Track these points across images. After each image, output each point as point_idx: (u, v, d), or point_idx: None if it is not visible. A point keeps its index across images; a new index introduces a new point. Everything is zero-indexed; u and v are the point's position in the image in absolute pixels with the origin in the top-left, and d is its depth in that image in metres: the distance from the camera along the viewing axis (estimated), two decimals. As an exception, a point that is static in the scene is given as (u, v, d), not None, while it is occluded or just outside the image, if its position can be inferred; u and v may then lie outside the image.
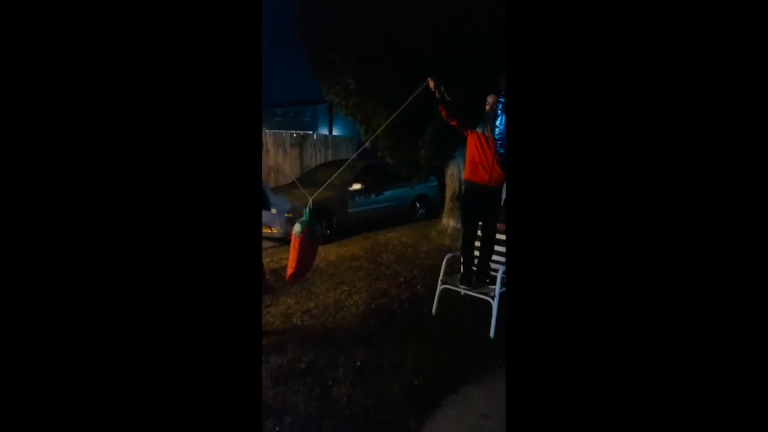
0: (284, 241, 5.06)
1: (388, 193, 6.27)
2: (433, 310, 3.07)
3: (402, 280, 3.81)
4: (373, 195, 6.04)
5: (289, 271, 2.29)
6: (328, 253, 4.62)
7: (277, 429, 1.84)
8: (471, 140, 2.90)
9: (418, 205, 6.88)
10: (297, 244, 2.29)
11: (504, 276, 2.75)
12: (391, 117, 2.32)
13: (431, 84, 2.77)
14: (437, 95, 2.81)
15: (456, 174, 5.15)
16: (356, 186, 5.85)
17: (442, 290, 3.08)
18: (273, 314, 3.05)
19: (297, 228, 2.30)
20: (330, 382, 2.19)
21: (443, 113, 2.88)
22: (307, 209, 2.33)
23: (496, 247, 3.06)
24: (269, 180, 7.47)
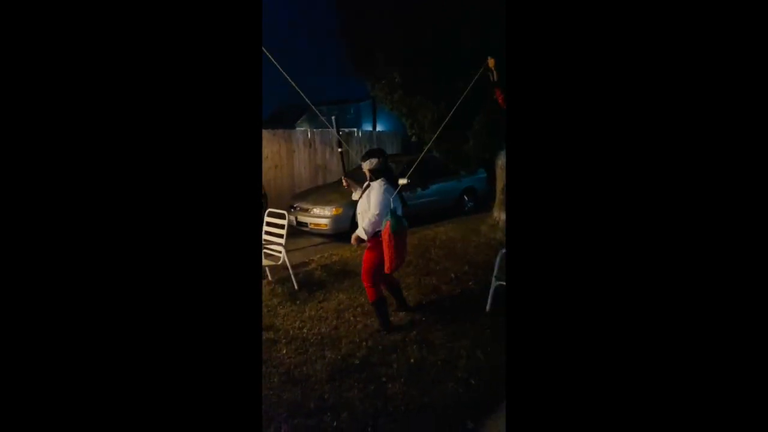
0: (335, 237, 5.17)
1: (434, 186, 6.18)
2: (488, 307, 2.98)
3: (452, 276, 3.73)
4: (419, 189, 5.97)
5: (387, 264, 2.42)
6: (376, 248, 4.63)
7: (335, 425, 1.87)
8: None
9: (466, 198, 6.71)
10: (392, 242, 2.37)
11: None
12: (456, 103, 2.22)
13: (491, 63, 2.59)
14: (495, 78, 2.65)
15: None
16: (402, 181, 5.82)
17: (497, 287, 2.96)
18: (325, 309, 3.11)
19: (392, 227, 2.38)
20: (384, 379, 2.19)
21: (499, 97, 2.73)
22: (390, 209, 2.42)
23: None
24: (318, 178, 7.65)
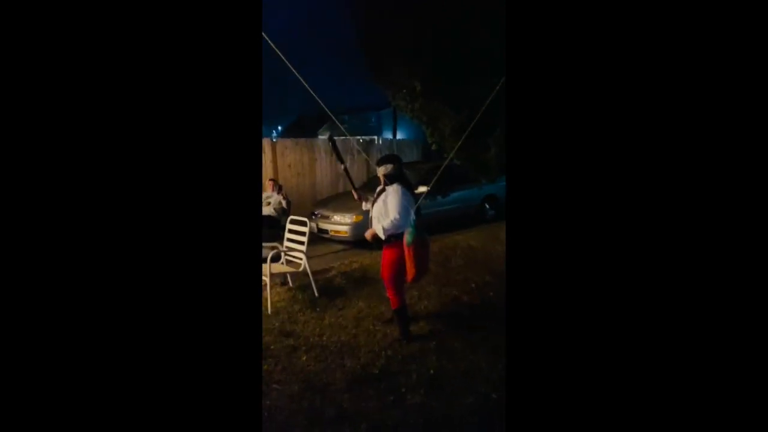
0: (354, 243, 5.19)
1: (455, 194, 6.13)
2: (509, 318, 2.91)
3: (473, 285, 3.67)
4: (439, 197, 5.94)
5: (409, 276, 2.48)
6: (396, 256, 4.62)
7: (353, 434, 1.86)
8: None
9: (487, 206, 6.62)
10: (411, 253, 2.43)
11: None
12: (480, 111, 2.19)
13: None
14: None
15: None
16: (422, 189, 5.81)
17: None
18: (345, 317, 3.12)
19: (408, 239, 2.44)
20: (404, 390, 2.17)
21: None
22: (413, 220, 2.47)
23: None
24: (338, 186, 7.73)
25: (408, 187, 2.63)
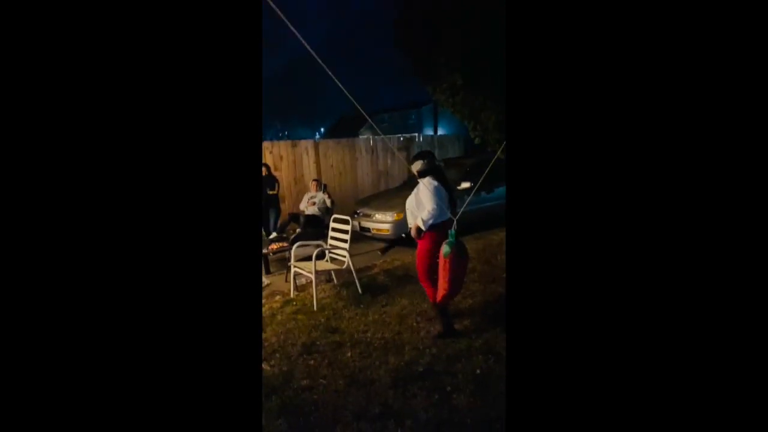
0: (396, 241, 5.20)
1: (499, 189, 5.93)
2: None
3: (520, 283, 3.53)
4: (483, 193, 5.78)
5: (441, 292, 2.31)
6: (439, 254, 4.57)
7: (399, 431, 1.86)
8: None
9: (534, 201, 6.35)
10: (447, 265, 2.31)
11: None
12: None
13: None
14: None
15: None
16: (465, 185, 5.68)
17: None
18: (389, 314, 3.13)
19: (446, 249, 2.33)
20: (449, 389, 2.13)
21: None
22: (453, 230, 2.34)
23: None
24: (380, 184, 7.78)
25: (441, 181, 2.66)
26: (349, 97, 1.87)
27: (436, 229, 2.55)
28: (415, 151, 8.55)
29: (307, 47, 1.48)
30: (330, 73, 1.59)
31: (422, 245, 2.64)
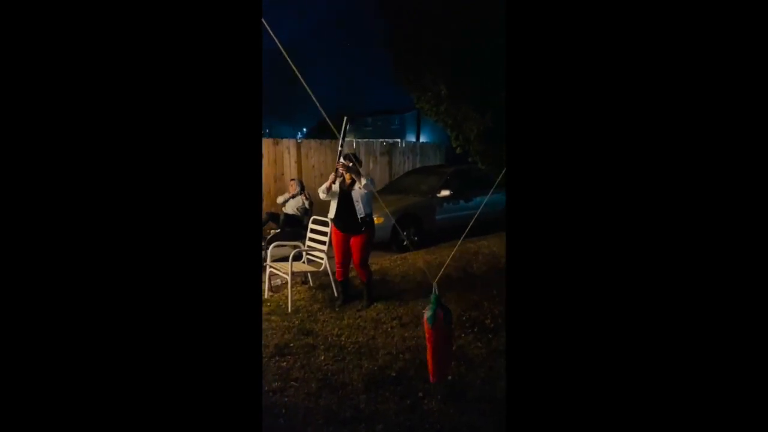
0: (374, 245, 5.19)
1: (478, 198, 6.05)
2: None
3: (495, 292, 3.61)
4: (462, 201, 5.88)
5: (431, 369, 1.78)
6: (415, 260, 4.61)
7: (369, 435, 1.86)
8: None
9: (510, 212, 6.49)
10: (431, 337, 1.76)
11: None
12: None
13: None
14: None
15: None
16: (444, 192, 5.76)
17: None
18: (364, 318, 3.13)
19: (428, 314, 1.77)
20: (421, 394, 2.14)
21: None
22: (434, 294, 1.80)
23: None
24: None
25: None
26: (318, 105, 1.75)
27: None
28: (398, 156, 8.61)
29: (280, 47, 1.44)
30: (301, 78, 1.55)
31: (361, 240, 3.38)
